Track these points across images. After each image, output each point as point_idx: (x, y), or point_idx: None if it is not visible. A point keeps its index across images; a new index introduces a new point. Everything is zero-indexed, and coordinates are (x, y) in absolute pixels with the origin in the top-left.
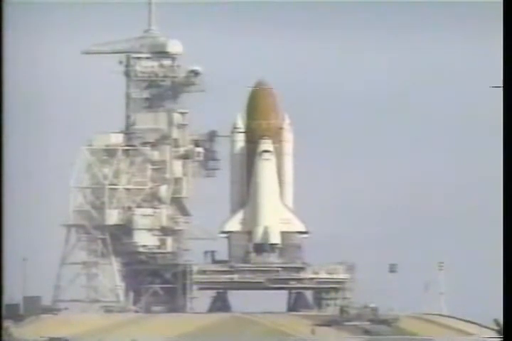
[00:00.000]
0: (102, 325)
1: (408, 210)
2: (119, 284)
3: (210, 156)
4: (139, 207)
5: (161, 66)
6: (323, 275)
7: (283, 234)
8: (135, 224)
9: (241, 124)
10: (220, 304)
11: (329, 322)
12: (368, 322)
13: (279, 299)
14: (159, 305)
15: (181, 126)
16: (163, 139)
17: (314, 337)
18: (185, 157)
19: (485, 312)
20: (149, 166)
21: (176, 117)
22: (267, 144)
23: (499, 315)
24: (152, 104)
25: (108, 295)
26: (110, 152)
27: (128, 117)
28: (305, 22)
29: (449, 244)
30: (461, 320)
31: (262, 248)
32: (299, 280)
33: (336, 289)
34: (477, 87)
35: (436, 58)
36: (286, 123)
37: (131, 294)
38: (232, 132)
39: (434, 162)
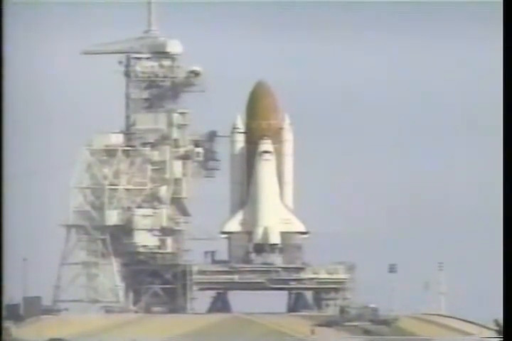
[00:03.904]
0: (102, 326)
1: (408, 210)
2: (119, 284)
3: (209, 156)
4: (139, 207)
5: (161, 66)
6: (323, 275)
7: (283, 234)
8: (135, 224)
9: (241, 124)
10: (220, 304)
11: (329, 323)
12: (368, 323)
13: (279, 299)
14: (159, 305)
15: (181, 127)
16: (163, 139)
17: (314, 337)
18: (185, 157)
19: (485, 312)
20: (149, 166)
21: (176, 117)
22: (266, 144)
23: (499, 315)
24: (152, 104)
25: (108, 295)
26: (110, 152)
27: (128, 117)
28: (305, 22)
29: (449, 244)
30: (460, 320)
31: (262, 248)
32: (299, 280)
33: (335, 289)
34: (477, 87)
35: (437, 58)
36: (286, 124)
37: (131, 294)
38: (232, 132)
39: (434, 162)
